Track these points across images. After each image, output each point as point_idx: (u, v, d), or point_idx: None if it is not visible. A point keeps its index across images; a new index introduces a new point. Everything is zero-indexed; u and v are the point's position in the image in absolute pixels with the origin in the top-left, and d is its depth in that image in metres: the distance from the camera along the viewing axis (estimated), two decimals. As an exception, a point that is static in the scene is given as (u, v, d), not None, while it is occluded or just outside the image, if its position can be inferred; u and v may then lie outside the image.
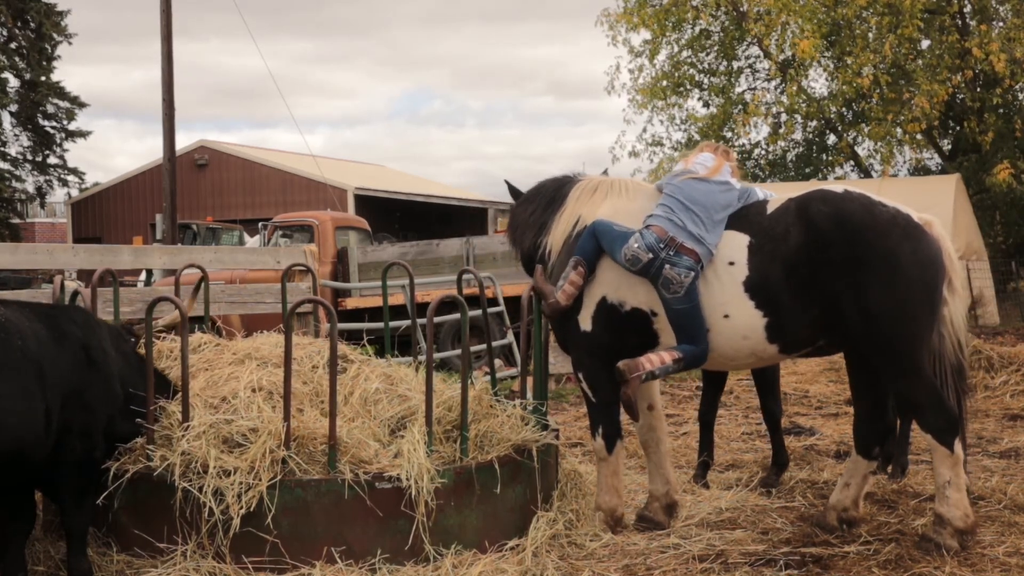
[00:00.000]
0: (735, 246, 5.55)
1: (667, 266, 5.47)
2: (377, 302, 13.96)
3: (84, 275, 17.82)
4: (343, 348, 6.38)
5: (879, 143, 23.89)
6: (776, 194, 5.86)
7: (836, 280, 5.35)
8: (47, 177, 39.69)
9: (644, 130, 26.95)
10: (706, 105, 26.64)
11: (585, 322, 5.78)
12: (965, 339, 5.63)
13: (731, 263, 5.53)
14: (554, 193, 6.23)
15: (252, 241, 23.93)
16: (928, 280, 5.36)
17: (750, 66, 27.34)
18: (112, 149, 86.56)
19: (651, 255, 5.49)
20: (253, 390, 5.69)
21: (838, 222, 5.38)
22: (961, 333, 5.55)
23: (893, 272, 5.28)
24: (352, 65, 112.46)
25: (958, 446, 5.38)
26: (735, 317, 5.50)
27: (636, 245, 5.52)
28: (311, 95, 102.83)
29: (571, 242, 5.91)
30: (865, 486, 5.88)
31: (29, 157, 39.09)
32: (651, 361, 5.52)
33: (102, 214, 39.16)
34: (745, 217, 5.65)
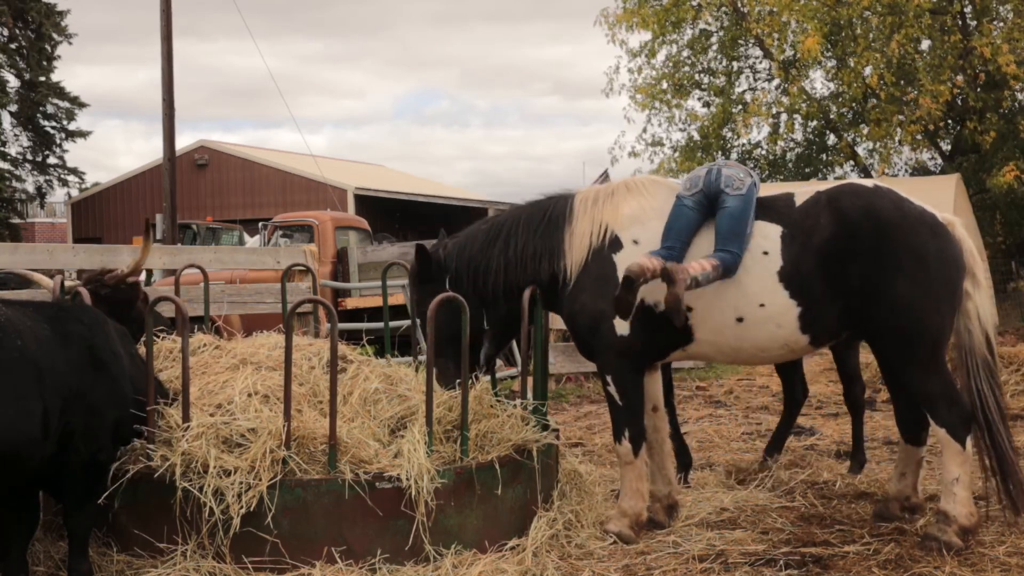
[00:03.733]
0: (768, 236, 5.61)
1: (725, 169, 5.74)
2: (377, 302, 13.97)
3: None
4: (342, 348, 6.38)
5: (878, 143, 23.90)
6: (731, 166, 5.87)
7: (864, 272, 5.44)
8: (47, 177, 39.71)
9: (644, 130, 26.92)
10: (706, 105, 26.64)
11: (622, 326, 5.76)
12: (994, 333, 5.71)
13: (765, 253, 5.60)
14: (542, 217, 6.06)
15: (252, 241, 23.93)
16: (951, 278, 5.48)
17: (750, 66, 27.34)
18: (117, 149, 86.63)
19: (706, 169, 5.79)
20: (249, 395, 5.69)
21: (868, 215, 5.49)
22: (989, 326, 5.67)
23: (920, 268, 5.40)
24: (359, 65, 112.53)
25: (969, 443, 5.44)
26: (770, 306, 5.56)
27: (687, 176, 5.86)
28: (318, 95, 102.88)
29: (599, 253, 5.82)
30: (920, 472, 6.07)
31: (29, 157, 39.09)
32: (693, 268, 5.49)
33: (102, 214, 39.19)
34: (775, 209, 5.72)
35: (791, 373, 7.59)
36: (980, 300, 5.62)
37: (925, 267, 5.42)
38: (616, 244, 5.84)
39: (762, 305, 5.57)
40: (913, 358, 5.46)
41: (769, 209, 5.72)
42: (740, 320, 5.62)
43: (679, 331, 5.71)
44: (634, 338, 5.75)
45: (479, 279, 6.09)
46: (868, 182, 5.84)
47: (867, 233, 5.46)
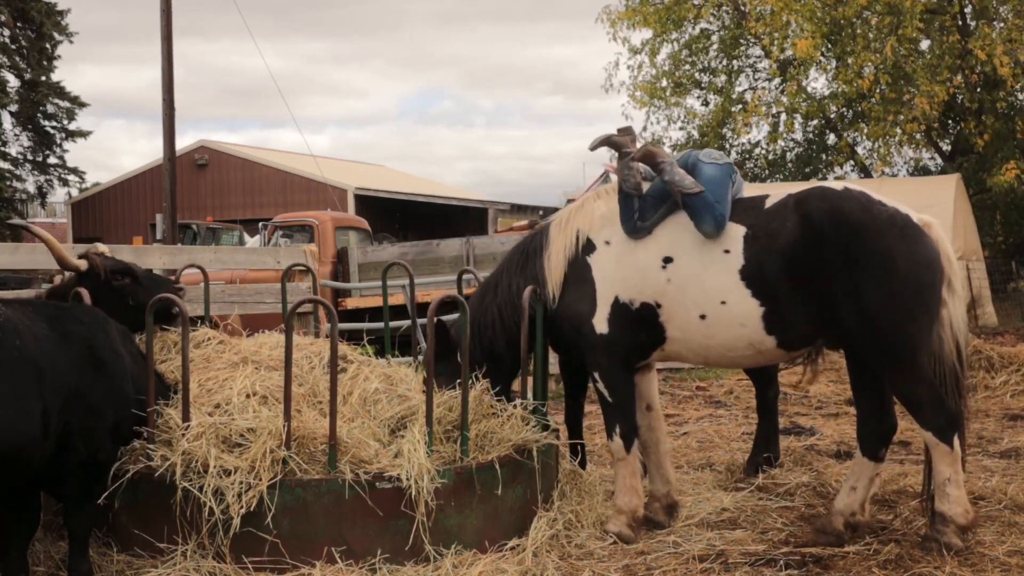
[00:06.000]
0: (731, 235, 5.61)
1: (703, 153, 6.01)
2: (377, 302, 13.97)
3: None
4: (342, 348, 6.38)
5: (877, 142, 23.90)
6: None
7: (831, 277, 5.36)
8: (47, 177, 39.69)
9: (644, 128, 26.91)
10: (705, 103, 26.65)
11: (601, 325, 5.82)
12: (965, 341, 5.63)
13: (727, 251, 5.59)
14: (522, 253, 6.21)
15: (252, 241, 23.95)
16: (925, 281, 5.35)
17: (750, 66, 27.34)
18: (121, 149, 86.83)
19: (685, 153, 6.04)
20: (247, 395, 5.68)
21: (835, 220, 5.40)
22: (961, 335, 5.54)
23: (888, 272, 5.29)
24: (364, 65, 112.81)
25: (957, 443, 5.40)
26: (732, 305, 5.55)
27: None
28: (323, 95, 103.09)
29: (575, 259, 5.92)
30: (872, 489, 5.84)
31: (29, 157, 39.08)
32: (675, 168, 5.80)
33: (102, 214, 39.18)
34: (742, 209, 5.71)
35: (761, 375, 7.53)
36: (954, 308, 5.50)
37: (894, 271, 5.28)
38: (590, 246, 5.94)
39: (723, 303, 5.56)
40: (891, 364, 5.39)
41: (736, 209, 5.72)
42: (703, 317, 5.63)
43: (653, 326, 5.76)
44: (614, 336, 5.80)
45: (484, 335, 6.14)
46: (838, 184, 5.73)
47: (833, 238, 5.35)
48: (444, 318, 6.40)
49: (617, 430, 5.92)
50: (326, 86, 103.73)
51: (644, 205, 5.84)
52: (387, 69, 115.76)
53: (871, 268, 5.29)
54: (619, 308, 5.79)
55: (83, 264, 5.80)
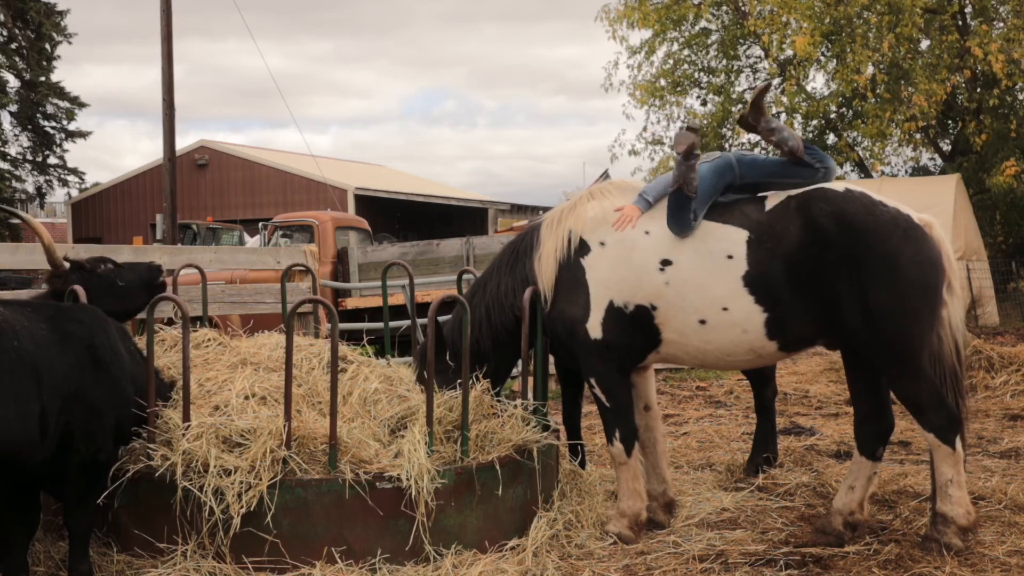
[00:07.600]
0: (733, 240, 5.57)
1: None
2: (377, 302, 13.97)
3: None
4: (342, 349, 6.37)
5: (874, 141, 23.90)
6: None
7: (836, 280, 5.35)
8: (47, 177, 39.70)
9: (644, 128, 26.91)
10: (704, 103, 26.64)
11: (595, 330, 5.78)
12: (963, 342, 5.64)
13: (729, 256, 5.55)
14: (512, 253, 6.19)
15: (252, 241, 23.95)
16: (928, 281, 5.37)
17: (750, 66, 27.34)
18: (124, 149, 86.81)
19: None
20: (246, 397, 5.68)
21: (839, 222, 5.39)
22: (959, 335, 5.56)
23: (893, 273, 5.30)
24: (368, 65, 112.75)
25: (959, 444, 5.40)
26: (734, 311, 5.53)
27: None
28: (327, 95, 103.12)
29: (567, 261, 5.88)
30: (870, 488, 5.84)
31: (29, 157, 39.08)
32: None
33: (102, 214, 39.21)
34: (742, 212, 5.65)
35: (758, 376, 7.52)
36: (954, 308, 5.51)
37: (899, 273, 5.30)
38: (584, 248, 5.88)
39: (725, 309, 5.53)
40: (894, 365, 5.39)
41: (736, 212, 5.66)
42: (703, 322, 5.59)
43: (648, 329, 5.73)
44: (608, 340, 5.77)
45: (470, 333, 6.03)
46: (839, 185, 5.70)
47: (837, 240, 5.35)
48: (442, 318, 6.39)
49: (617, 435, 5.90)
50: (330, 86, 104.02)
51: (696, 204, 5.70)
52: (391, 69, 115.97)
53: (876, 270, 5.29)
54: (613, 312, 5.75)
55: (65, 264, 5.88)
